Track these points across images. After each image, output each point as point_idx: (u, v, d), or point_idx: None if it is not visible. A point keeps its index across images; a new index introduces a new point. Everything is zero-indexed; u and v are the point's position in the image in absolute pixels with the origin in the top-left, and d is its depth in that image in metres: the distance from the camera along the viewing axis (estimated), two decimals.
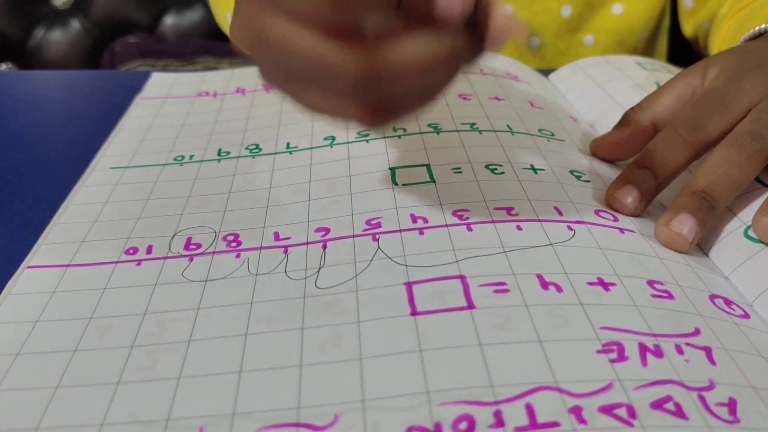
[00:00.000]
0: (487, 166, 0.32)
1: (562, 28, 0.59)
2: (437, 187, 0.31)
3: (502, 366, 0.21)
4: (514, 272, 0.25)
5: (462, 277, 0.25)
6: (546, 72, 0.51)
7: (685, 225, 0.29)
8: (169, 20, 1.10)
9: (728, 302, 0.27)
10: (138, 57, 0.99)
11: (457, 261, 0.26)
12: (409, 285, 0.25)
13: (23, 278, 0.28)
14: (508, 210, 0.29)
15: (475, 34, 0.24)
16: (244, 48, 0.25)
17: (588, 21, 0.59)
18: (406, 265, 0.26)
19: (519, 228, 0.28)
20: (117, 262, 0.29)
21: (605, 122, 0.42)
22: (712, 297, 0.26)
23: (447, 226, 0.28)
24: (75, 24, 1.08)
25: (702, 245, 0.31)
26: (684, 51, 0.73)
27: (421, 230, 0.28)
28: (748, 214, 0.30)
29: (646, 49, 0.63)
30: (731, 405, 0.21)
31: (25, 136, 0.43)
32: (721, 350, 0.23)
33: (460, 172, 0.32)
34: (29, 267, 0.29)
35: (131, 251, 0.29)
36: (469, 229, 0.28)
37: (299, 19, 0.23)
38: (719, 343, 0.23)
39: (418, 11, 0.23)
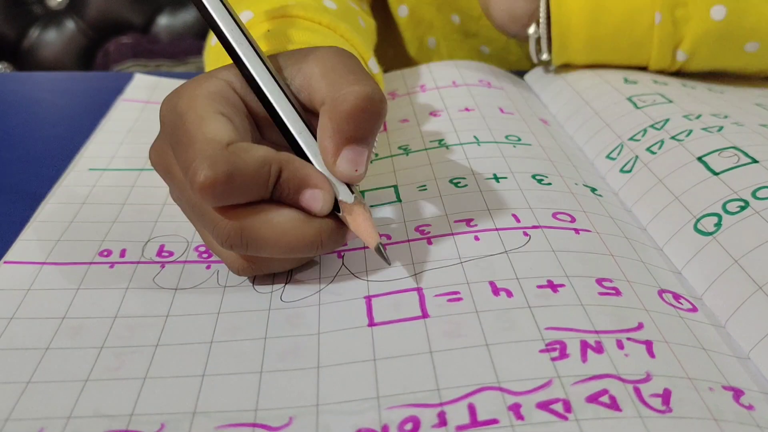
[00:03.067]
0: (451, 181, 0.34)
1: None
2: (402, 205, 0.33)
3: (449, 370, 0.23)
4: (468, 281, 0.27)
5: (419, 289, 0.27)
6: (521, 73, 0.52)
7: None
8: (163, 21, 1.10)
9: (677, 297, 0.28)
10: (131, 57, 1.02)
11: (415, 274, 0.28)
12: (368, 298, 0.27)
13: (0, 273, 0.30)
14: (468, 222, 0.31)
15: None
16: (156, 168, 0.28)
17: None
18: (368, 281, 0.28)
19: (476, 238, 0.30)
20: (91, 263, 0.30)
21: (574, 122, 0.43)
22: (661, 292, 0.28)
23: (408, 241, 0.30)
24: (69, 24, 1.08)
25: (657, 240, 0.32)
26: None
27: (384, 246, 0.30)
28: (698, 207, 0.32)
29: None
30: (665, 395, 0.22)
31: (11, 135, 0.45)
32: (662, 343, 0.25)
33: (426, 189, 0.34)
34: (6, 262, 0.30)
35: (105, 253, 0.31)
36: (429, 243, 0.30)
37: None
38: (661, 336, 0.25)
39: (288, 199, 0.26)
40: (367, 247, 0.28)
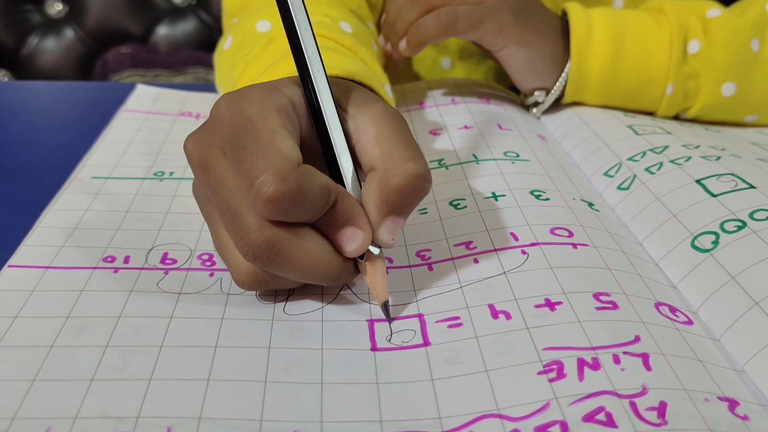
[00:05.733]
0: (450, 203, 0.35)
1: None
2: (404, 229, 0.34)
3: (450, 398, 0.24)
4: (468, 305, 0.28)
5: (420, 316, 0.28)
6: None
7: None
8: (162, 30, 1.11)
9: (673, 309, 0.29)
10: (130, 67, 1.01)
11: (417, 300, 0.29)
12: (371, 322, 0.28)
13: (4, 276, 0.30)
14: (467, 244, 0.32)
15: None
16: (190, 158, 0.28)
17: None
18: (370, 303, 0.29)
19: (476, 261, 0.31)
20: (95, 267, 0.31)
21: (572, 139, 0.44)
22: (658, 305, 0.29)
23: (410, 267, 0.31)
24: (69, 33, 1.09)
25: (653, 255, 0.33)
26: None
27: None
28: (696, 225, 0.32)
29: None
30: (661, 408, 0.23)
31: (14, 143, 0.46)
32: (659, 356, 0.25)
33: (426, 213, 0.35)
34: (10, 266, 0.31)
35: (109, 259, 0.31)
36: (430, 269, 0.31)
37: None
38: (657, 348, 0.26)
39: (328, 229, 0.27)
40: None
